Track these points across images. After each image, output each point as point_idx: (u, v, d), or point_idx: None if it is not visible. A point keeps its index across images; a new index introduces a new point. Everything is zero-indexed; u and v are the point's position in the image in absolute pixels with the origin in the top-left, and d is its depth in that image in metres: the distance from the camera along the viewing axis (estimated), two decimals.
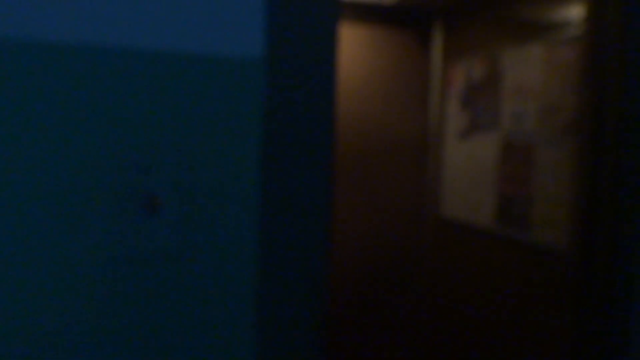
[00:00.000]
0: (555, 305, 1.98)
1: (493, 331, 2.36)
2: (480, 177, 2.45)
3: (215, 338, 0.79)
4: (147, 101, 0.72)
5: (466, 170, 2.58)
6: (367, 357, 2.89)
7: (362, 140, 2.78)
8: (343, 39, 2.69)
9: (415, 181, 2.90)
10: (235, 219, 0.78)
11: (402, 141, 2.86)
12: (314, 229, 0.82)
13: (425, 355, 2.94)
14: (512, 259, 2.24)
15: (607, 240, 1.43)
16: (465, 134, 2.58)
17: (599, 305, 1.45)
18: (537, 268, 2.09)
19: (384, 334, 2.91)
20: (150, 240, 0.75)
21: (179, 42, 0.73)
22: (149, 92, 0.72)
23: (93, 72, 0.70)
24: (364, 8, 2.73)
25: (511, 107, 2.23)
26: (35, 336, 0.70)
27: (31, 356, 0.70)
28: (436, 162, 2.86)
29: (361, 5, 2.70)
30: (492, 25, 2.44)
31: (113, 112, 0.71)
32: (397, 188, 2.87)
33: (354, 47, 2.73)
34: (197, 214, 0.77)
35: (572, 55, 1.88)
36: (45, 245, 0.70)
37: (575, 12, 1.90)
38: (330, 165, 0.83)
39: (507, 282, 2.27)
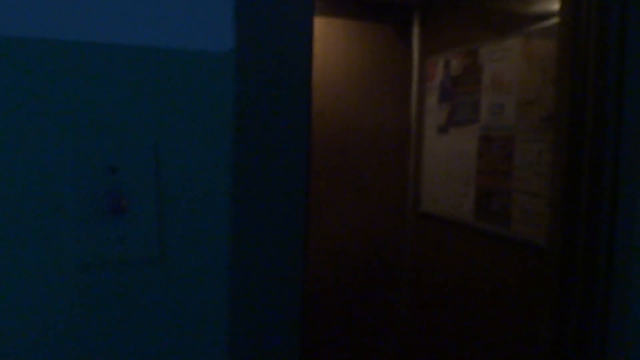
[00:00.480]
0: (536, 299, 1.98)
1: (474, 325, 2.37)
2: (460, 171, 2.44)
3: (188, 342, 0.76)
4: (111, 97, 0.69)
5: (446, 165, 2.57)
6: (348, 352, 2.88)
7: (342, 135, 2.75)
8: (321, 33, 2.66)
9: (396, 176, 2.89)
10: (206, 218, 0.75)
11: (383, 136, 2.84)
12: (288, 228, 0.79)
13: (408, 349, 2.94)
14: (492, 254, 2.24)
15: (585, 234, 1.43)
16: (445, 128, 2.57)
17: (578, 299, 1.45)
18: (517, 262, 2.09)
19: (364, 330, 2.91)
20: (119, 244, 0.72)
21: (144, 35, 0.69)
22: (114, 88, 0.69)
23: (53, 67, 0.66)
24: (342, 2, 2.70)
25: (490, 101, 2.22)
26: (4, 349, 0.66)
27: None
28: (416, 156, 2.86)
29: None
30: (470, 19, 2.43)
31: (76, 109, 0.67)
32: (379, 183, 2.86)
33: (332, 41, 2.70)
34: (167, 214, 0.73)
35: (551, 48, 1.88)
36: (8, 254, 0.66)
37: (554, 4, 1.89)
38: (306, 162, 0.80)
39: (487, 277, 2.27)
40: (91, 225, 0.70)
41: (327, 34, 2.68)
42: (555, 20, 1.85)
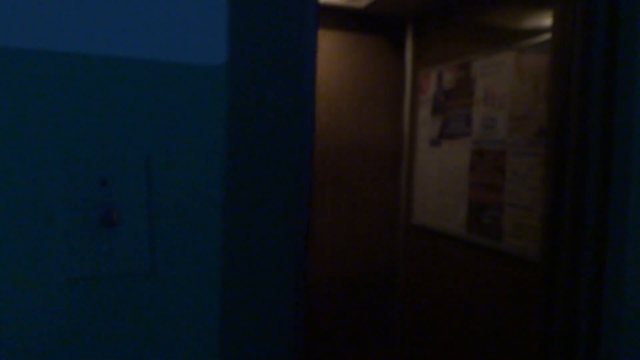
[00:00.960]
0: (526, 312, 1.98)
1: (465, 336, 2.36)
2: (452, 184, 2.45)
3: (180, 356, 0.75)
4: (103, 109, 0.68)
5: (438, 177, 2.58)
6: None
7: (335, 148, 2.75)
8: None
9: (389, 188, 2.89)
10: (198, 231, 0.74)
11: (375, 148, 2.85)
12: (281, 241, 0.79)
13: (400, 358, 2.93)
14: (484, 267, 2.24)
15: (569, 248, 1.44)
16: (437, 141, 2.58)
17: (561, 312, 1.46)
18: (508, 275, 2.09)
19: (356, 340, 2.89)
20: (109, 256, 0.71)
21: (136, 48, 0.69)
22: (106, 100, 0.68)
23: (44, 78, 0.65)
24: (335, 14, 2.71)
25: (482, 114, 2.23)
26: None
27: None
28: (409, 169, 2.86)
29: (332, 10, 2.68)
30: (463, 32, 2.45)
31: (67, 120, 0.67)
32: (371, 195, 2.86)
33: (325, 53, 2.71)
34: (158, 227, 0.73)
35: (543, 63, 1.90)
36: None
37: (547, 20, 1.91)
38: (302, 177, 0.80)
39: (479, 289, 2.27)
40: (81, 237, 0.69)
41: (320, 45, 2.69)
42: (548, 36, 1.86)
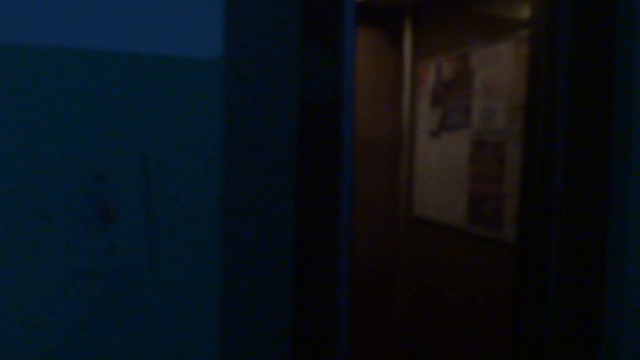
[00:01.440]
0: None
1: (466, 326, 2.37)
2: (452, 175, 2.45)
3: (179, 350, 0.75)
4: (99, 104, 0.68)
5: (438, 169, 2.57)
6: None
7: None
8: None
9: (389, 180, 2.89)
10: (196, 226, 0.74)
11: (375, 140, 2.84)
12: (278, 234, 0.79)
13: (402, 350, 2.94)
14: (485, 257, 2.24)
15: (538, 231, 1.51)
16: (437, 133, 2.58)
17: (531, 294, 1.53)
18: (509, 265, 2.09)
19: (359, 332, 2.90)
20: (108, 252, 0.71)
21: (132, 42, 0.68)
22: (102, 95, 0.68)
23: (39, 73, 0.65)
24: None
25: (481, 105, 2.23)
26: None
27: None
28: (409, 160, 2.86)
29: None
30: (462, 23, 2.44)
31: (64, 115, 0.67)
32: (371, 187, 2.86)
33: None
34: (156, 222, 0.73)
35: None
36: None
37: None
38: (296, 169, 0.80)
39: (480, 280, 2.27)
40: (79, 233, 0.69)
41: None
42: None
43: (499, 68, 2.12)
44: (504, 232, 2.09)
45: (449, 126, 2.48)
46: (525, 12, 2.00)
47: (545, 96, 1.46)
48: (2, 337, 0.66)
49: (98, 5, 0.66)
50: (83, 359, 0.70)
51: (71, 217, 0.69)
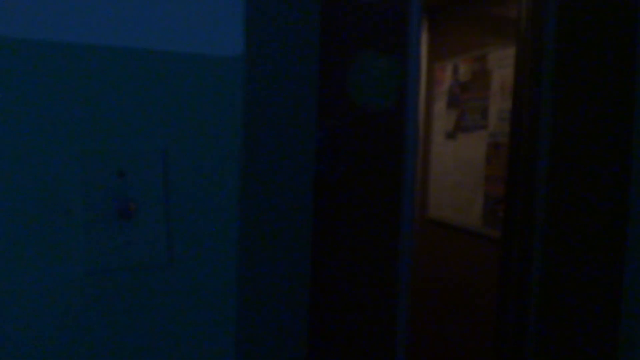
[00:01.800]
0: None
1: (479, 327, 2.35)
2: (468, 177, 2.43)
3: (196, 347, 0.75)
4: (121, 101, 0.68)
5: (453, 171, 2.56)
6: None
7: None
8: None
9: None
10: (215, 223, 0.74)
11: None
12: (297, 231, 0.78)
13: (414, 351, 2.93)
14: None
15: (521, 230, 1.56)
16: (452, 134, 2.56)
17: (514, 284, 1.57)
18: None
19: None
20: (127, 248, 0.71)
21: (153, 39, 0.68)
22: (123, 92, 0.68)
23: (62, 70, 0.65)
24: None
25: (499, 107, 2.21)
26: (12, 354, 0.66)
27: None
28: (424, 162, 2.84)
29: None
30: (479, 25, 2.42)
31: (85, 112, 0.67)
32: None
33: None
34: (175, 219, 0.73)
35: None
36: (15, 259, 0.65)
37: None
38: (314, 167, 0.79)
39: (495, 282, 2.25)
40: (98, 229, 0.70)
41: None
42: None
43: None
44: None
45: (465, 127, 2.46)
46: None
47: (529, 100, 1.55)
48: (22, 332, 0.67)
49: (121, 3, 0.67)
50: (101, 354, 0.70)
51: (91, 214, 0.69)
